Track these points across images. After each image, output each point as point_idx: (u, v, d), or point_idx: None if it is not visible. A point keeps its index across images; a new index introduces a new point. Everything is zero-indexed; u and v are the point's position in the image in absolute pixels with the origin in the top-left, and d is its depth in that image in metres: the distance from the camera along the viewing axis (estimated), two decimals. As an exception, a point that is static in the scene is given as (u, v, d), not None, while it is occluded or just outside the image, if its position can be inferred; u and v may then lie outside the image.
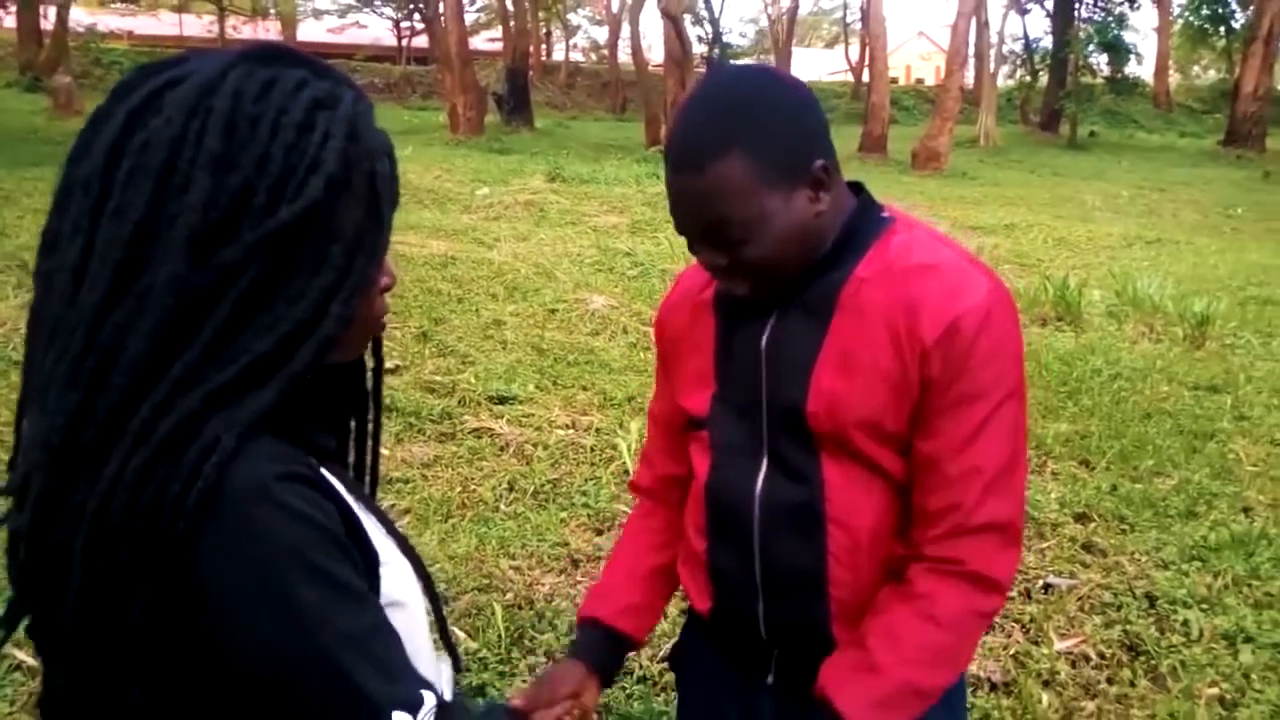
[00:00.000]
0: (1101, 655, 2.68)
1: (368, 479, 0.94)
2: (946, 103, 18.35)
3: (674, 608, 2.78)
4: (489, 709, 1.14)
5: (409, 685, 0.74)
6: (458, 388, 4.67)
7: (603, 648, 1.28)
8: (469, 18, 25.82)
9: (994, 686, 2.53)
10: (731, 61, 21.67)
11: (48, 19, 20.85)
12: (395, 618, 0.78)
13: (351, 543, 0.76)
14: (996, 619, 2.80)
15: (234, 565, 0.69)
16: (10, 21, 20.91)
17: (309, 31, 34.89)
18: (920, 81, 38.52)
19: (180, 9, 33.25)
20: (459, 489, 3.67)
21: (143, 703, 0.72)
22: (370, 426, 0.93)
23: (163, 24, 33.27)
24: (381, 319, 0.86)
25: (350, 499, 0.80)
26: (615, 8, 32.42)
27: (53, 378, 0.71)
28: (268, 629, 0.70)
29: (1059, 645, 2.70)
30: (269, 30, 32.17)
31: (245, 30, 32.89)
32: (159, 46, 27.86)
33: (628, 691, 2.47)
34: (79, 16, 23.57)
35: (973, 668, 2.55)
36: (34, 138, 12.12)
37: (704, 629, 1.29)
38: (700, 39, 23.35)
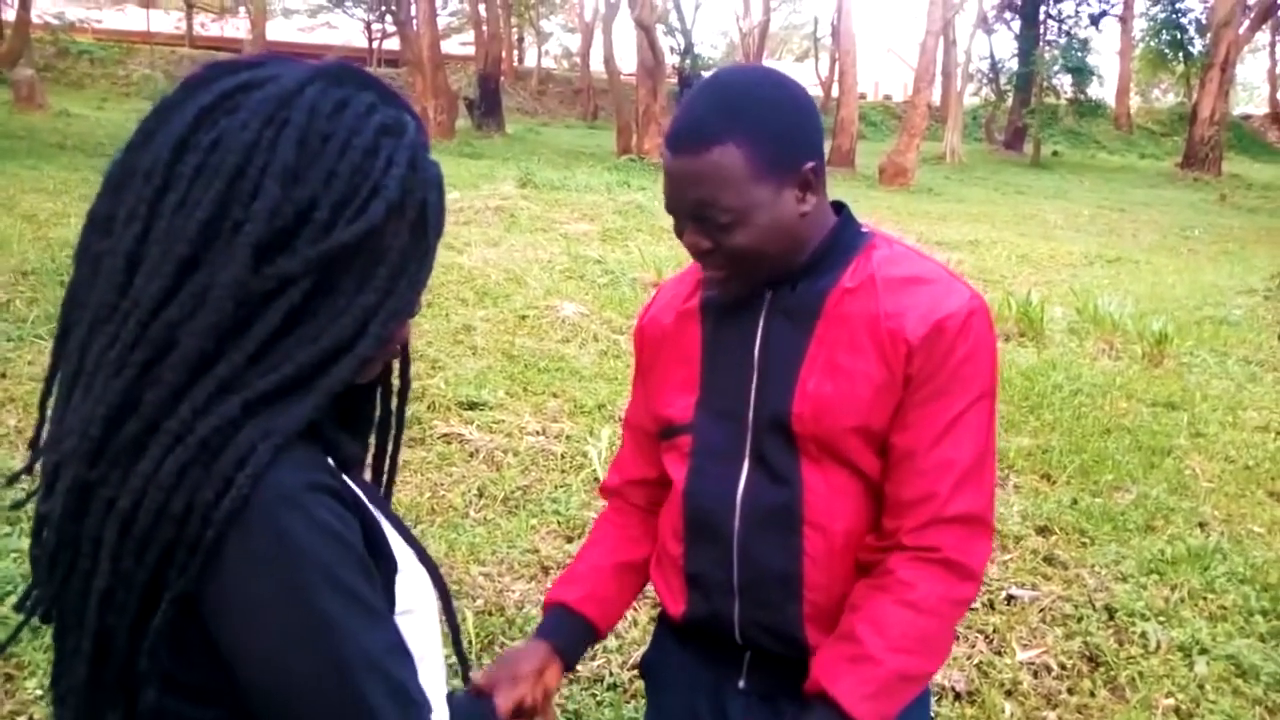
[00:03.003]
0: (1062, 666, 2.73)
1: (383, 489, 0.96)
2: (914, 119, 18.60)
3: (644, 615, 2.79)
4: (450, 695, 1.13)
5: (417, 711, 0.74)
6: (427, 393, 4.64)
7: (568, 631, 1.30)
8: (441, 21, 25.73)
9: (958, 696, 2.57)
10: (703, 72, 21.80)
11: (11, 5, 20.43)
12: (405, 625, 0.79)
13: (371, 553, 0.76)
14: (960, 629, 2.85)
15: (260, 574, 0.69)
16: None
17: (278, 30, 34.53)
18: (888, 98, 38.94)
19: (147, 4, 32.77)
20: (428, 495, 3.66)
21: (159, 704, 0.72)
22: (391, 442, 0.95)
23: (129, 18, 32.77)
24: (399, 345, 0.87)
25: (371, 508, 0.81)
26: (588, 16, 32.50)
27: (100, 365, 0.71)
28: (288, 640, 0.70)
29: (1021, 655, 2.75)
30: (238, 29, 31.81)
31: (213, 28, 32.50)
32: (125, 41, 27.46)
33: (598, 699, 2.48)
34: (44, 6, 23.14)
35: (938, 676, 2.59)
36: (-6, 131, 11.88)
37: (676, 633, 1.32)
38: (672, 49, 23.46)
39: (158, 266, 0.71)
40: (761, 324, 1.18)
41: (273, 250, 0.72)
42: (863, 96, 29.85)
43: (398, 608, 0.79)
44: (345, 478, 0.79)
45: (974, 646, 2.79)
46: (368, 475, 0.96)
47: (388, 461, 0.95)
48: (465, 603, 2.82)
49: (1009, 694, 2.60)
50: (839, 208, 1.22)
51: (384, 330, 0.77)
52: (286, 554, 0.69)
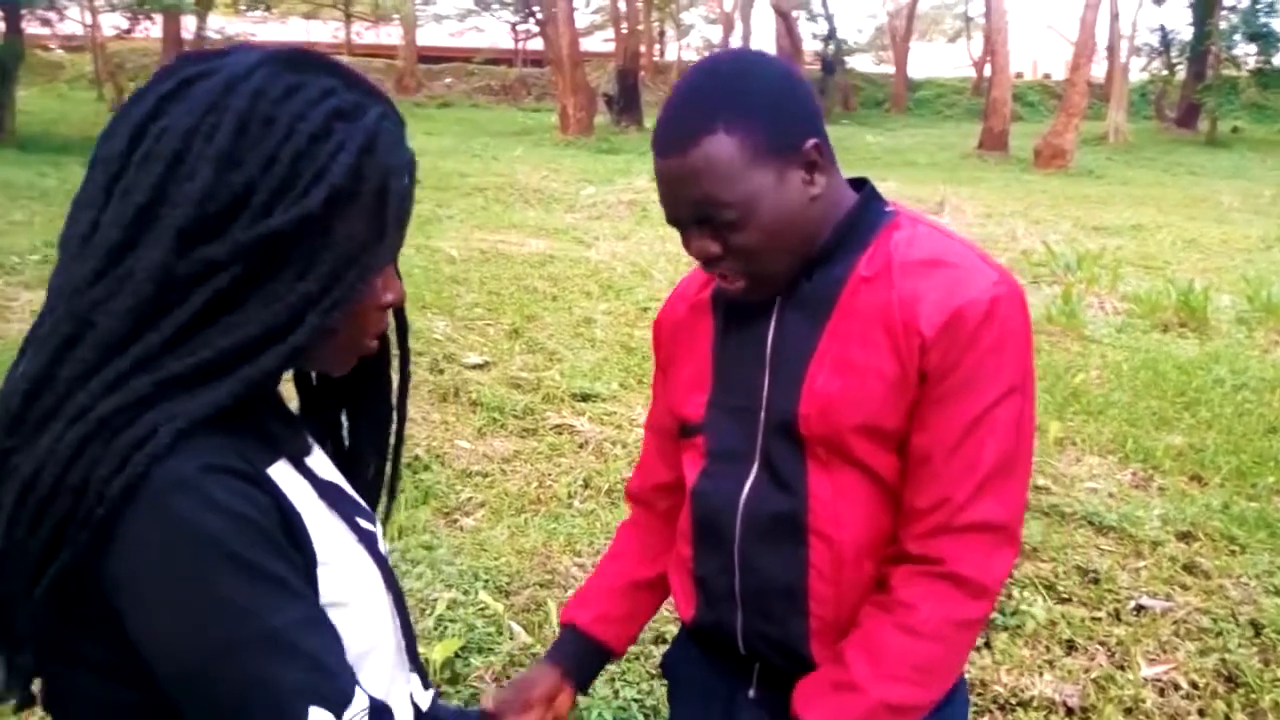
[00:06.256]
0: (1194, 684, 2.49)
1: (386, 488, 0.96)
2: (1073, 98, 17.57)
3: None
4: (460, 714, 1.13)
5: (337, 681, 0.72)
6: (543, 384, 4.70)
7: (579, 654, 1.26)
8: (585, 20, 26.13)
9: (1070, 711, 2.38)
10: (845, 58, 21.27)
11: (189, 30, 22.04)
12: (336, 618, 0.76)
13: (287, 540, 0.74)
14: (1079, 640, 2.64)
15: (153, 559, 0.68)
16: (156, 31, 22.16)
17: (430, 35, 35.90)
18: (1048, 76, 36.89)
19: (309, 15, 34.74)
20: (535, 484, 3.70)
21: (72, 683, 0.73)
22: (393, 439, 0.94)
23: (291, 30, 34.81)
24: (373, 338, 0.84)
25: (301, 499, 0.78)
26: (728, 6, 32.25)
27: (33, 341, 0.73)
28: (183, 623, 0.69)
29: (1146, 671, 2.53)
30: (391, 35, 33.29)
31: (369, 35, 34.16)
32: (290, 53, 29.12)
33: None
34: (216, 23, 24.81)
35: (1047, 690, 2.42)
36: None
37: (692, 636, 1.26)
38: (815, 35, 23.01)
39: (93, 250, 0.72)
40: (775, 317, 1.08)
41: (203, 235, 0.71)
42: (1019, 76, 28.43)
43: (323, 600, 0.77)
44: (280, 466, 0.78)
45: (1093, 659, 2.58)
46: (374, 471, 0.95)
47: (390, 454, 0.94)
48: (554, 592, 2.83)
49: (1128, 711, 2.39)
50: (860, 184, 1.11)
51: (324, 320, 0.74)
52: (179, 538, 0.68)
